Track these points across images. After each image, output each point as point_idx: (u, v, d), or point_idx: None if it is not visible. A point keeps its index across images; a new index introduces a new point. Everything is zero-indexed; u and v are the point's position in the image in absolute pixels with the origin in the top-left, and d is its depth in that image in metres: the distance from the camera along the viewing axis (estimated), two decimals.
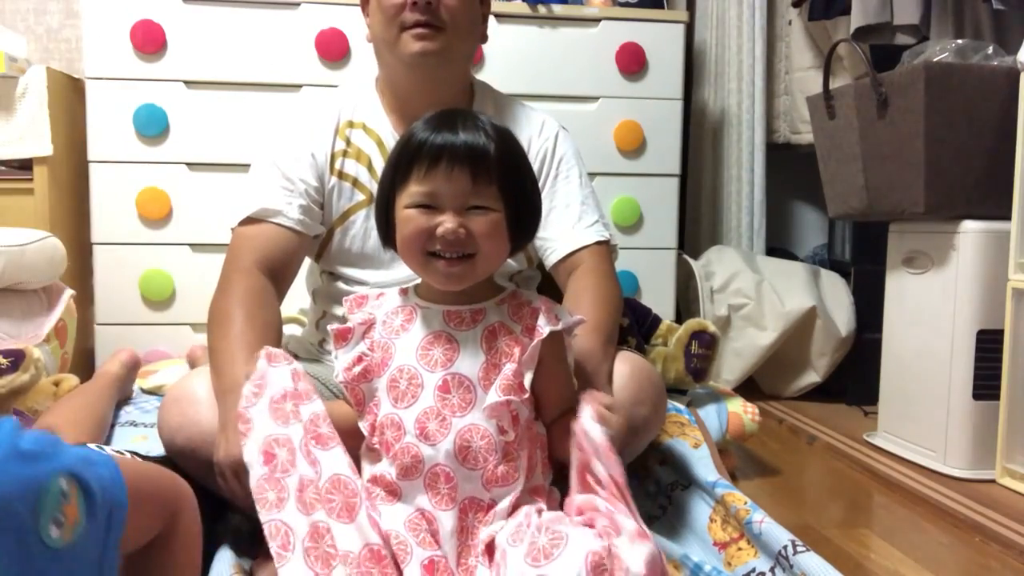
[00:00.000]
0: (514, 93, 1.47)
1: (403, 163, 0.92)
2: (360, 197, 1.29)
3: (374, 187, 1.29)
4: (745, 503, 1.17)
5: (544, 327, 0.93)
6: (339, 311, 1.29)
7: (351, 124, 1.30)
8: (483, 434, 0.91)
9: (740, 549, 1.14)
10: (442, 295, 0.96)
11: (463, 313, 0.95)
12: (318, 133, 1.29)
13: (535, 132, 1.36)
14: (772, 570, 1.06)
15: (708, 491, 1.26)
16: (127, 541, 0.64)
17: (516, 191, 0.93)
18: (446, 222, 0.89)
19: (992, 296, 1.70)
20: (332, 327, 0.99)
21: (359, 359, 0.95)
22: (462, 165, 0.89)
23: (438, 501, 0.90)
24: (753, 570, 1.09)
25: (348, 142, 1.30)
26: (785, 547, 1.05)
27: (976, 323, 1.73)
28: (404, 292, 1.01)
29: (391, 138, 1.29)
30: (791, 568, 1.03)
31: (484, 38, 1.35)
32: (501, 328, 0.94)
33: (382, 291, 1.02)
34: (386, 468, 0.92)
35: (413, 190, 0.91)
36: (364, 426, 0.95)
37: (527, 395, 0.93)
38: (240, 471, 0.95)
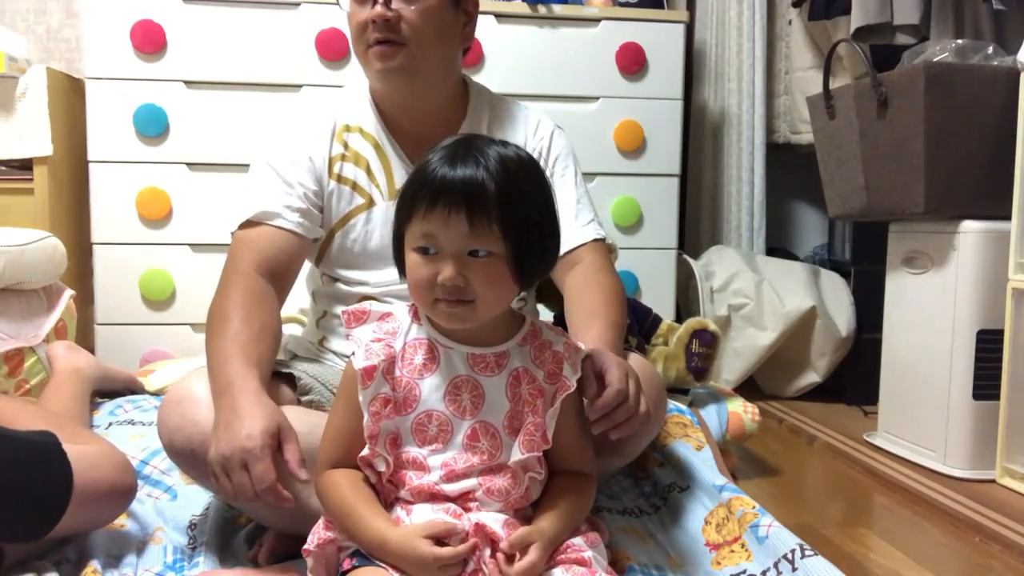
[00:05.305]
0: (514, 93, 1.47)
1: (407, 197, 0.91)
2: (360, 200, 1.29)
3: (373, 190, 1.29)
4: (753, 507, 1.17)
5: (571, 379, 0.94)
6: (340, 311, 1.28)
7: (348, 128, 1.30)
8: (508, 478, 0.93)
9: (732, 552, 1.13)
10: (461, 331, 0.94)
11: (487, 357, 0.94)
12: (315, 137, 1.28)
13: (530, 131, 1.36)
14: (765, 573, 1.05)
15: (713, 494, 1.26)
16: None
17: (520, 229, 0.88)
18: (445, 270, 0.87)
19: (992, 296, 1.70)
20: (352, 357, 0.94)
21: (385, 401, 0.93)
22: (458, 208, 0.86)
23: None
24: (744, 571, 1.08)
25: (346, 146, 1.29)
26: (792, 551, 1.05)
27: (976, 323, 1.73)
28: (416, 317, 0.97)
29: (386, 141, 1.30)
30: (794, 571, 1.02)
31: (468, 39, 1.31)
32: (524, 374, 0.95)
33: (387, 310, 0.98)
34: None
35: (416, 230, 0.90)
36: (380, 463, 0.92)
37: (549, 444, 0.94)
38: (231, 468, 0.95)
